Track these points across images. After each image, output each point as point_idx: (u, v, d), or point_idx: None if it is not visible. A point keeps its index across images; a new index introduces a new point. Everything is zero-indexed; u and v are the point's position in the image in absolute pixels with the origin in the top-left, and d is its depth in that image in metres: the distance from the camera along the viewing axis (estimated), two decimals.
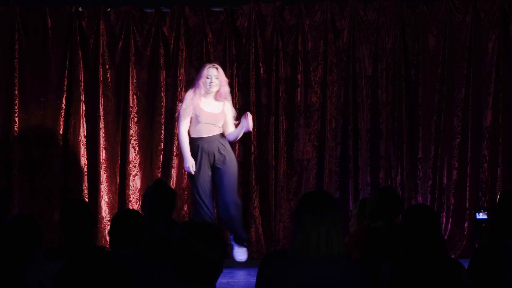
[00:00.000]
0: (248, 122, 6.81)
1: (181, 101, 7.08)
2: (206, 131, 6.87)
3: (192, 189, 6.99)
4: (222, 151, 6.88)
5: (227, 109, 6.98)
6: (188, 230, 2.87)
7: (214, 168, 6.87)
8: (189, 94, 6.95)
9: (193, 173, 6.82)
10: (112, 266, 2.39)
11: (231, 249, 6.96)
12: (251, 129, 6.94)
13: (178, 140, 7.17)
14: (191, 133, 6.90)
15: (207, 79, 6.88)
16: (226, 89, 6.98)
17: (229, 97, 7.03)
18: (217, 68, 6.92)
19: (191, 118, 6.88)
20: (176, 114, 7.19)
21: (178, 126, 7.01)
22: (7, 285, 3.24)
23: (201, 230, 2.89)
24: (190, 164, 6.82)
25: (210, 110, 6.89)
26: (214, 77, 6.89)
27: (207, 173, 6.85)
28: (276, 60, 7.95)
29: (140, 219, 3.89)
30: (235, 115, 7.05)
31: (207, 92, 6.89)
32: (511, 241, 4.08)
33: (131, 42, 7.94)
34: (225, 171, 6.87)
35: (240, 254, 7.01)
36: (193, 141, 6.87)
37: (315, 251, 3.27)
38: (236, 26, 7.99)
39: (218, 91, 6.93)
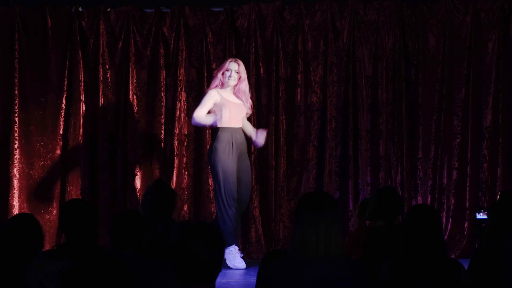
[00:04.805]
0: (261, 137, 7.06)
1: (205, 93, 7.19)
2: (236, 122, 7.03)
3: (214, 185, 7.04)
4: (245, 146, 7.06)
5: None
6: (186, 230, 2.88)
7: (239, 159, 6.99)
8: (210, 87, 7.08)
9: (218, 124, 6.90)
10: (117, 266, 2.39)
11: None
12: (260, 145, 7.17)
13: (193, 122, 7.17)
14: (223, 124, 6.94)
15: (226, 72, 7.03)
16: (244, 86, 7.10)
17: (248, 97, 7.13)
18: (239, 64, 7.07)
19: (221, 110, 6.93)
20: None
21: (195, 111, 7.07)
22: (7, 285, 3.25)
23: (199, 230, 2.89)
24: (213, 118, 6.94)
25: (235, 101, 7.05)
26: (234, 71, 7.04)
27: (235, 161, 6.93)
28: (276, 60, 7.95)
29: (141, 219, 3.90)
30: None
31: (224, 84, 7.03)
32: (510, 241, 4.08)
33: (131, 42, 7.94)
34: (243, 168, 7.02)
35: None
36: (226, 131, 6.94)
37: (314, 251, 3.28)
38: (236, 26, 7.99)
39: (236, 86, 7.07)
